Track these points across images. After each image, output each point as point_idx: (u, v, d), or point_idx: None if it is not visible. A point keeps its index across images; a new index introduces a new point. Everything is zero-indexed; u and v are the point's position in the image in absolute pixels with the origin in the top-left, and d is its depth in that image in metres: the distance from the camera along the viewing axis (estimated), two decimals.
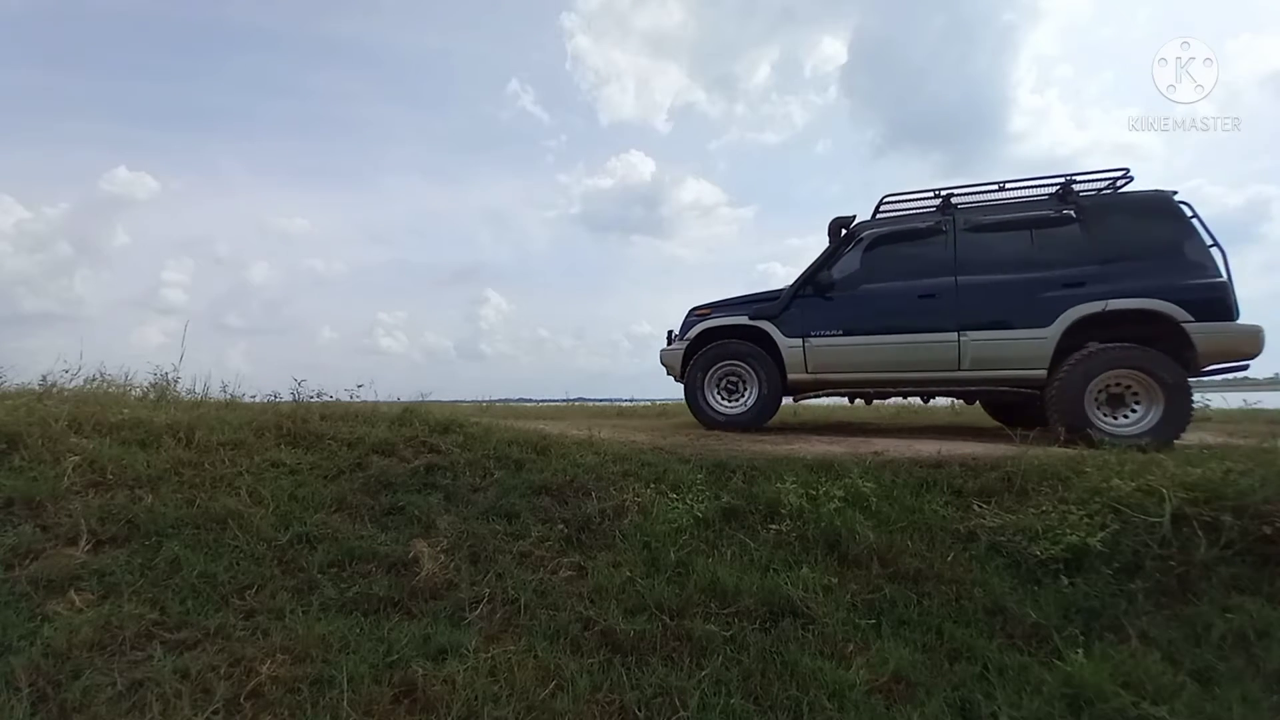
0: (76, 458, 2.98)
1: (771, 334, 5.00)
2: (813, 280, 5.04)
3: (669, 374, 5.57)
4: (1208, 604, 2.45)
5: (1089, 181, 4.73)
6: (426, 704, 1.96)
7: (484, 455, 3.70)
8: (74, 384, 4.36)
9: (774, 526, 3.09)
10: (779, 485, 3.37)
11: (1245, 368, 4.35)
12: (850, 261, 5.01)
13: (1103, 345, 4.19)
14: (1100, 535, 2.75)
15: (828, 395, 5.18)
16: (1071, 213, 4.53)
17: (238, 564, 2.54)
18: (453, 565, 2.71)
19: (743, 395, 5.20)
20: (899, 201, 5.15)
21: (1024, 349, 4.37)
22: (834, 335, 4.86)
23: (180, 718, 1.81)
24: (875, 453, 4.03)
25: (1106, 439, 3.91)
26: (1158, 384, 4.05)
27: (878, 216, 5.26)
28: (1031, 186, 4.80)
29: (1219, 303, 4.09)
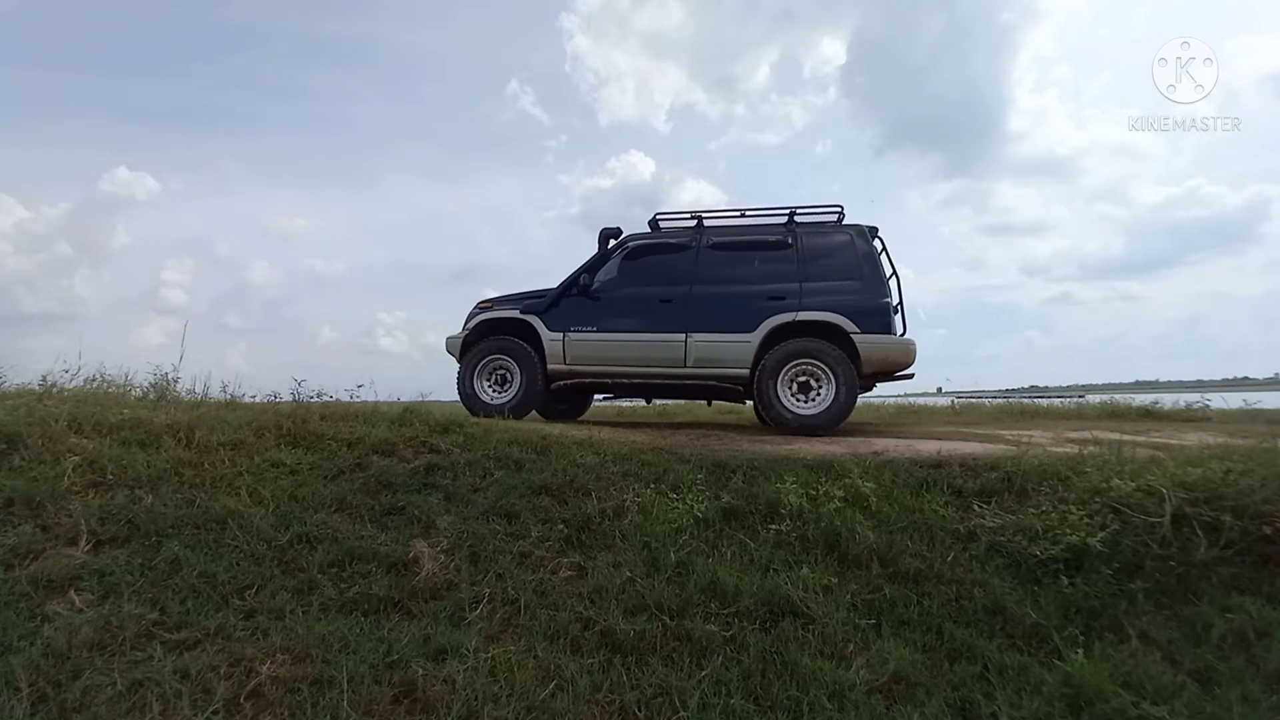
0: (76, 458, 2.98)
1: (537, 328, 5.51)
2: (578, 282, 5.61)
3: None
4: (1208, 604, 2.45)
5: (809, 215, 5.54)
6: (426, 704, 1.96)
7: (484, 455, 3.70)
8: (74, 384, 4.36)
9: (774, 526, 3.09)
10: (779, 485, 3.36)
11: (909, 376, 5.32)
12: (612, 267, 5.66)
13: (788, 340, 5.01)
14: (1100, 535, 2.74)
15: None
16: (788, 239, 5.35)
17: (238, 564, 2.53)
18: (453, 565, 2.71)
19: (511, 385, 5.61)
20: (669, 219, 5.88)
21: (734, 350, 5.09)
22: (589, 331, 5.42)
23: (180, 718, 1.81)
24: (875, 453, 4.03)
25: (794, 419, 4.87)
26: (832, 373, 4.87)
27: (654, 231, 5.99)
28: (767, 215, 5.62)
29: (881, 319, 4.92)
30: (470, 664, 2.12)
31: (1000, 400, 13.08)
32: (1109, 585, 2.60)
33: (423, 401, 5.55)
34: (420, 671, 2.05)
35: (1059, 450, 3.83)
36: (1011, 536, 2.93)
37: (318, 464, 3.43)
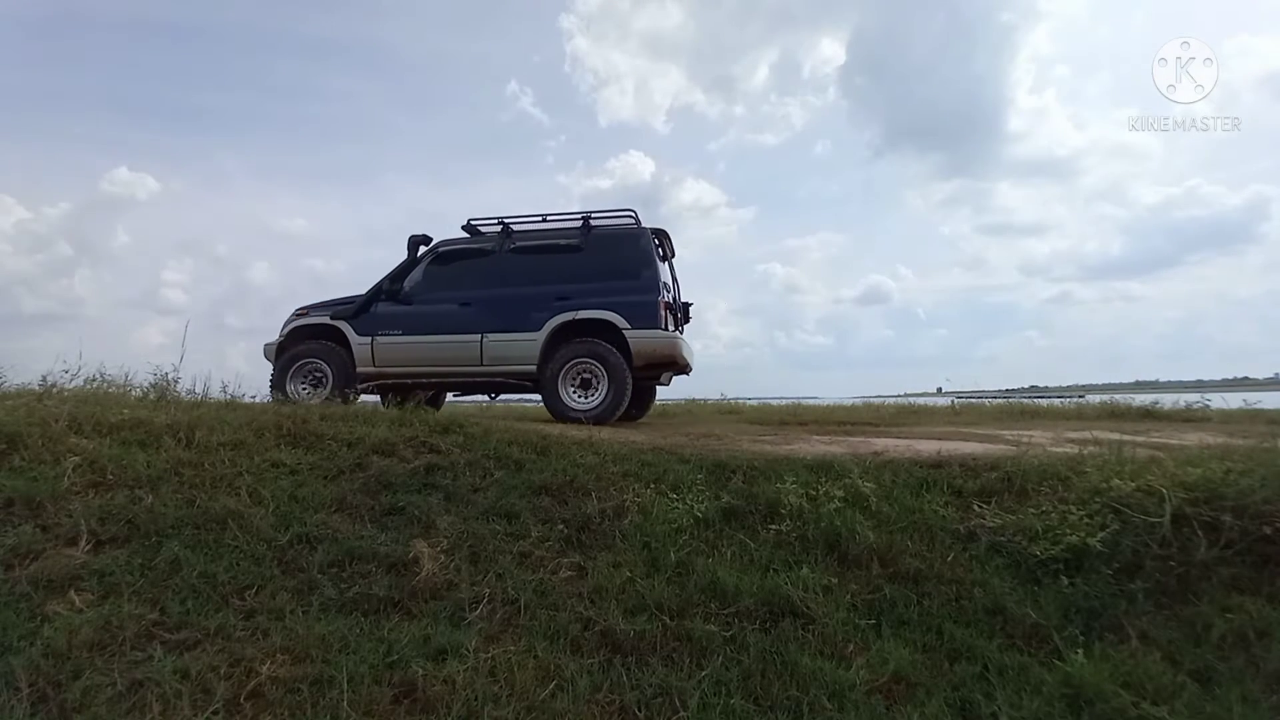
0: (76, 458, 2.98)
1: (346, 332, 5.81)
2: (386, 288, 5.88)
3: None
4: (1208, 604, 2.45)
5: (604, 219, 5.82)
6: (426, 704, 1.96)
7: (484, 455, 3.70)
8: (74, 384, 4.36)
9: (774, 527, 3.08)
10: (779, 485, 3.36)
11: (686, 371, 5.92)
12: (418, 273, 5.96)
13: (571, 341, 5.31)
14: (1100, 535, 2.74)
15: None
16: (579, 242, 5.69)
17: (238, 564, 2.53)
18: (453, 565, 2.71)
19: (325, 386, 5.85)
20: (481, 224, 6.14)
21: (522, 349, 5.40)
22: (396, 335, 5.71)
23: (180, 718, 1.81)
24: (875, 453, 4.03)
25: (573, 413, 5.10)
26: (605, 367, 5.15)
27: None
28: (568, 220, 5.90)
29: (649, 315, 5.24)
30: (470, 664, 2.12)
31: (1000, 400, 13.11)
32: (1109, 585, 2.60)
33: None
34: (420, 671, 2.04)
35: (1059, 450, 3.83)
36: (1011, 536, 2.93)
37: (318, 464, 3.43)
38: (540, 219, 5.94)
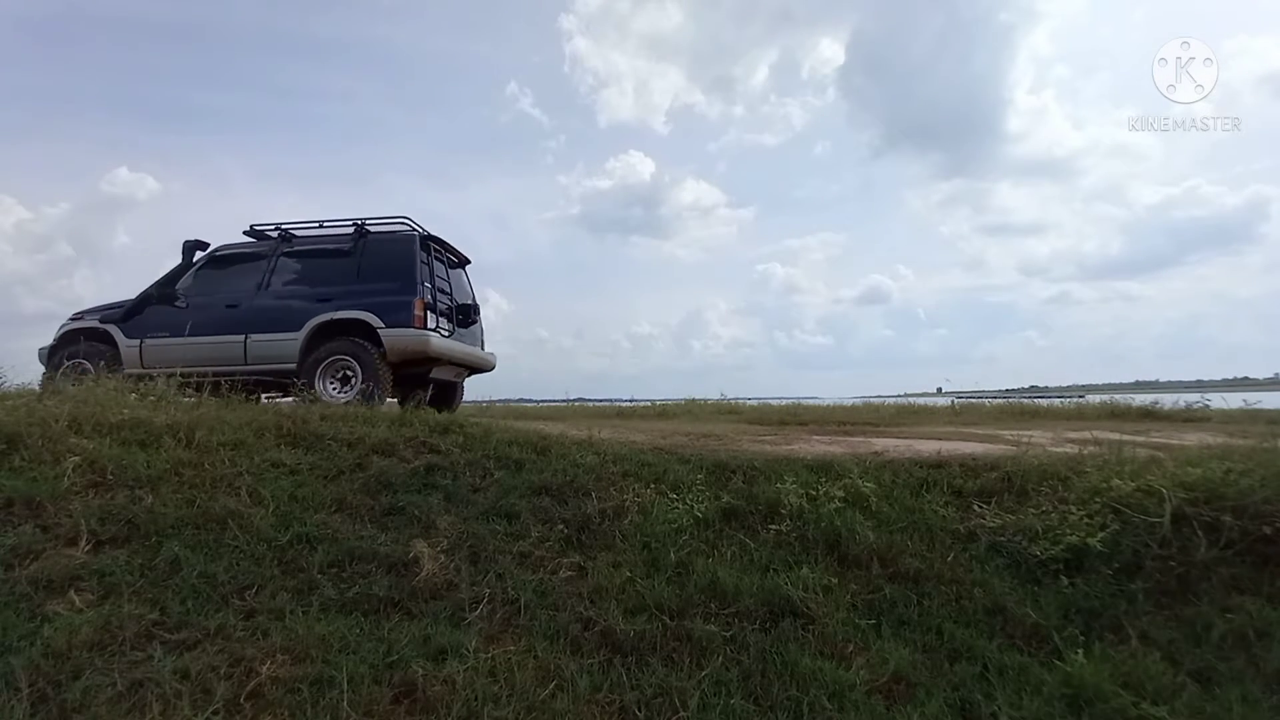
0: (76, 458, 2.98)
1: (115, 335, 5.98)
2: (156, 293, 6.08)
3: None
4: (1208, 604, 2.45)
5: (380, 225, 6.08)
6: (426, 704, 1.96)
7: (484, 456, 3.70)
8: (74, 384, 4.35)
9: (774, 527, 3.09)
10: (779, 485, 3.36)
11: (477, 369, 6.53)
12: (190, 277, 6.16)
13: (329, 340, 5.59)
14: (1100, 535, 2.75)
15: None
16: (349, 247, 5.95)
17: (238, 564, 2.53)
18: (453, 565, 2.71)
19: None
20: (262, 229, 6.36)
21: (283, 348, 5.62)
22: (164, 337, 5.89)
23: (180, 718, 1.80)
24: (875, 453, 4.03)
25: (337, 402, 5.23)
26: (360, 364, 5.43)
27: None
28: (344, 225, 6.15)
29: (403, 314, 5.49)
30: (470, 664, 2.12)
31: (1000, 400, 13.12)
32: (1109, 585, 2.60)
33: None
34: (420, 672, 2.04)
35: (1059, 450, 3.84)
36: (1011, 536, 2.94)
37: (318, 464, 3.43)
38: (318, 224, 6.27)
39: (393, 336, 5.42)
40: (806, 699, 2.08)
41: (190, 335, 5.82)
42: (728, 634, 2.39)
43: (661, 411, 9.57)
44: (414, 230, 6.05)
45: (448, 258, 6.47)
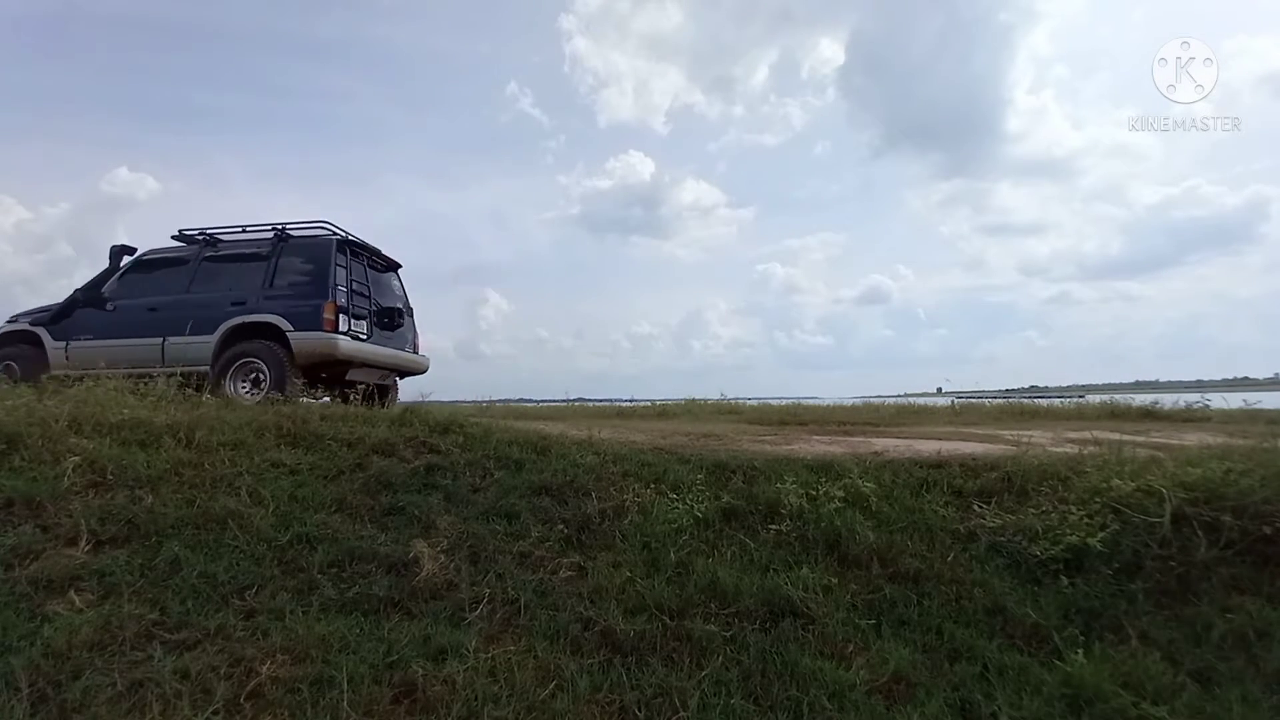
0: (76, 458, 2.98)
1: (43, 338, 6.22)
2: (82, 297, 6.28)
3: None
4: (1208, 604, 2.45)
5: (300, 230, 6.23)
6: (426, 704, 1.96)
7: (484, 456, 3.70)
8: (74, 384, 4.35)
9: (774, 527, 3.08)
10: (779, 485, 3.36)
11: (400, 372, 6.80)
12: (116, 281, 6.36)
13: (241, 342, 5.74)
14: (1100, 535, 2.74)
15: None
16: (268, 251, 6.09)
17: (238, 564, 2.53)
18: (453, 565, 2.71)
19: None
20: (190, 234, 6.51)
21: (198, 350, 5.78)
22: (89, 339, 6.09)
23: (180, 718, 1.80)
24: (875, 453, 4.03)
25: (246, 400, 5.39)
26: (267, 366, 5.58)
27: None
28: (263, 230, 6.30)
29: (312, 318, 5.64)
30: (470, 664, 2.11)
31: (1000, 400, 13.11)
32: (1109, 585, 2.60)
33: (422, 402, 5.56)
34: (420, 671, 2.04)
35: (1059, 450, 3.84)
36: (1011, 536, 2.94)
37: (318, 464, 3.43)
38: (241, 229, 6.43)
39: (300, 339, 5.58)
40: (806, 699, 2.08)
41: (113, 337, 6.02)
42: (728, 634, 2.39)
43: (661, 411, 9.57)
44: (332, 235, 6.19)
45: (373, 262, 6.66)
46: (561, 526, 3.05)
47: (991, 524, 3.04)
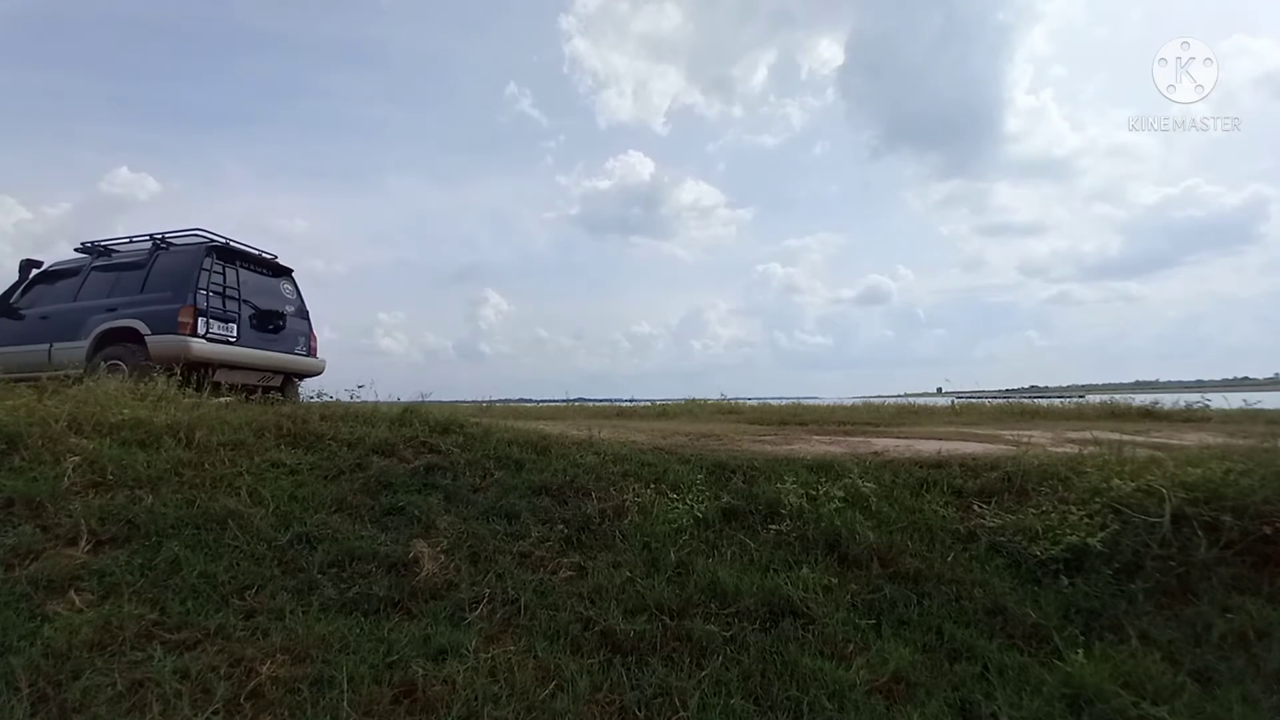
0: (76, 458, 2.98)
1: None
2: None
3: None
4: (1208, 604, 2.45)
5: (177, 239, 6.57)
6: (426, 704, 1.96)
7: (484, 456, 3.70)
8: (74, 384, 4.36)
9: (774, 527, 3.08)
10: (779, 485, 3.36)
11: (295, 375, 7.10)
12: (22, 293, 6.86)
13: (109, 346, 6.13)
14: (1100, 535, 2.74)
15: None
16: (144, 260, 6.44)
17: (238, 564, 2.53)
18: (453, 565, 2.71)
19: None
20: (87, 246, 6.93)
21: (75, 354, 6.15)
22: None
23: (180, 718, 1.80)
24: (875, 453, 4.03)
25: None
26: (129, 369, 5.71)
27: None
28: (142, 241, 6.71)
29: (167, 322, 5.92)
30: (470, 664, 2.11)
31: (1000, 400, 13.12)
32: (1109, 585, 2.60)
33: (423, 402, 5.55)
34: (420, 671, 2.04)
35: (1059, 450, 3.84)
36: (1011, 536, 2.93)
37: (318, 464, 3.43)
38: (128, 239, 6.85)
39: (156, 342, 5.88)
40: (806, 699, 2.08)
41: (12, 344, 6.51)
42: (728, 634, 2.39)
43: (661, 411, 9.57)
44: (201, 242, 6.49)
45: (255, 267, 6.94)
46: (561, 526, 3.05)
47: (992, 524, 3.04)
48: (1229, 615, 2.37)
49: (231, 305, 6.34)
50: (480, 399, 9.85)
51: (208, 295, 6.12)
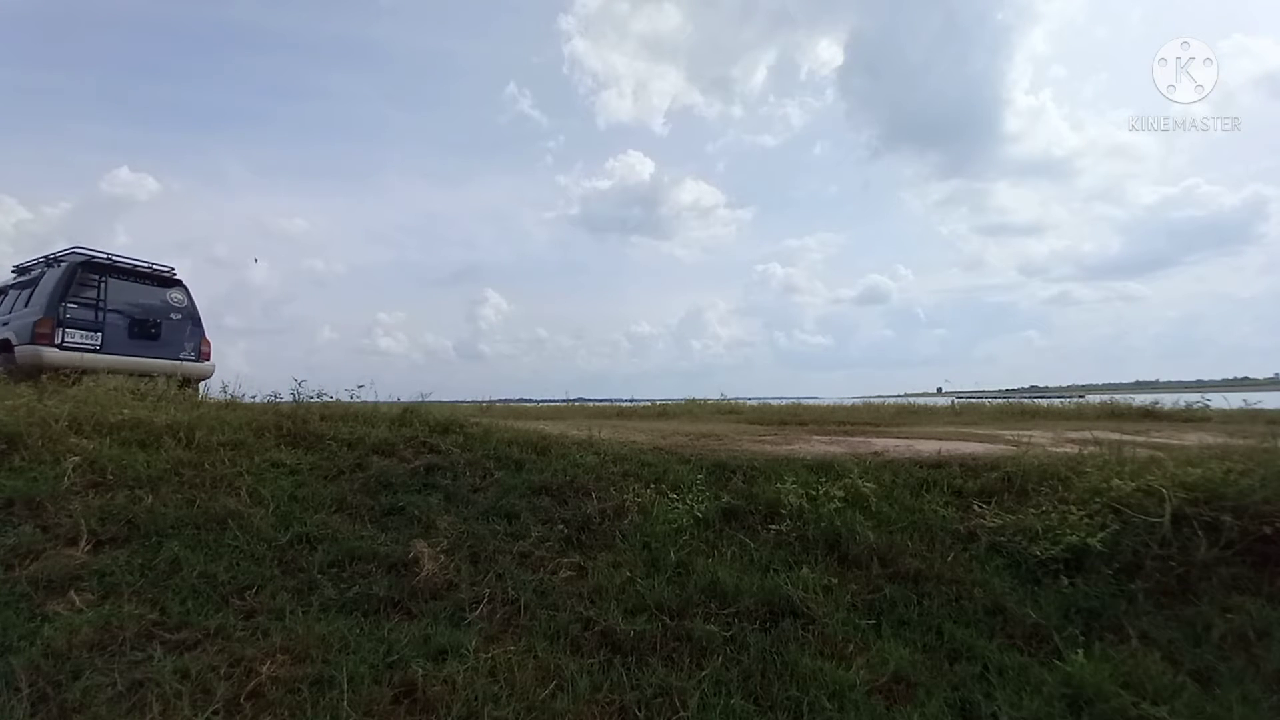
0: (76, 458, 2.98)
1: None
2: None
3: None
4: (1208, 604, 2.45)
5: (62, 257, 7.07)
6: (426, 704, 1.96)
7: (484, 456, 3.70)
8: (74, 384, 4.36)
9: (774, 527, 3.08)
10: (779, 485, 3.36)
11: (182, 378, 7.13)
12: None
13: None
14: (1100, 535, 2.74)
15: None
16: (34, 278, 6.99)
17: (238, 564, 2.53)
18: (453, 565, 2.70)
19: None
20: (20, 266, 7.59)
21: None
22: None
23: (180, 718, 1.80)
24: (875, 453, 4.03)
25: None
26: (9, 375, 5.96)
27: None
28: (43, 261, 7.29)
29: (29, 334, 6.46)
30: (470, 664, 2.11)
31: (1000, 400, 13.12)
32: (1109, 585, 2.60)
33: (423, 402, 5.55)
34: (420, 671, 2.04)
35: (1059, 450, 3.84)
36: (1011, 536, 2.93)
37: (318, 464, 3.43)
38: (42, 260, 7.38)
39: (20, 351, 6.46)
40: (806, 699, 2.08)
41: None
42: (728, 634, 2.39)
43: (661, 411, 9.58)
44: (73, 259, 6.99)
45: (135, 278, 7.36)
46: (561, 526, 3.05)
47: (991, 524, 3.04)
48: (1229, 615, 2.36)
49: (97, 315, 6.80)
50: (480, 399, 9.87)
51: (70, 307, 6.59)
